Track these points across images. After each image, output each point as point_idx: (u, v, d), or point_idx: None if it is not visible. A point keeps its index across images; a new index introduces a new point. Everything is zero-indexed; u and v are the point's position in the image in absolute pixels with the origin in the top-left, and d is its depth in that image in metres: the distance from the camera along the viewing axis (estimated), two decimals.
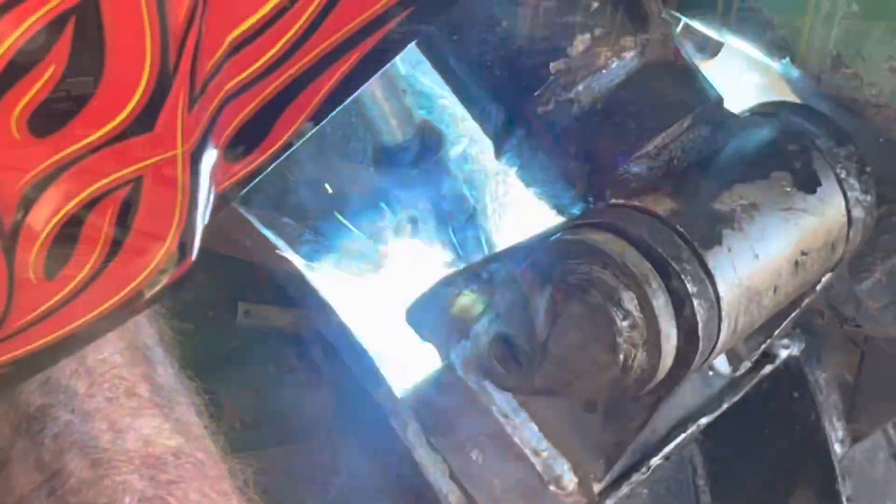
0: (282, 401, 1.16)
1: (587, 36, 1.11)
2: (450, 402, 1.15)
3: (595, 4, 1.11)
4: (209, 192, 0.80)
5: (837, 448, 1.35)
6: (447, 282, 1.15)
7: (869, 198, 1.14)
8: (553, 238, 1.08)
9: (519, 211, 1.25)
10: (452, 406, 1.15)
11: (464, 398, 1.14)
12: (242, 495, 0.90)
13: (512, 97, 1.14)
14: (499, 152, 1.18)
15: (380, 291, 1.29)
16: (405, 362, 1.23)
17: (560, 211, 1.16)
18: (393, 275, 1.36)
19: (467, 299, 1.14)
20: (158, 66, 0.69)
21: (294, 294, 1.14)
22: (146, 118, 0.71)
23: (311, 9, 0.76)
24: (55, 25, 0.64)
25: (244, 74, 0.77)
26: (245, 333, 1.16)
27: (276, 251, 1.14)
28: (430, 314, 1.16)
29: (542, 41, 1.11)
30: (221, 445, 0.90)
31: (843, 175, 1.13)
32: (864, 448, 1.44)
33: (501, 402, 1.14)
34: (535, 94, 1.12)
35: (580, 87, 1.11)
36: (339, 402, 1.15)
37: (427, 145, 1.44)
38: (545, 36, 1.11)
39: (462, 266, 1.18)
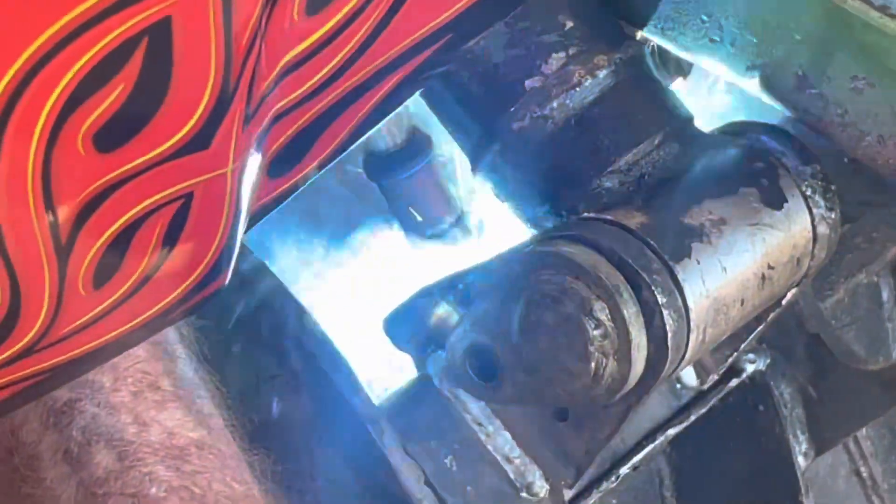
0: (261, 406, 1.17)
1: (562, 54, 1.13)
2: (425, 410, 1.17)
3: (570, 24, 1.13)
4: (248, 211, 0.81)
5: (801, 461, 1.37)
6: (424, 293, 1.17)
7: (833, 215, 1.17)
8: (527, 250, 1.11)
9: (501, 217, 1.27)
10: (428, 414, 1.17)
11: (439, 407, 1.17)
12: (262, 485, 0.93)
13: (487, 113, 1.16)
14: (474, 168, 1.20)
15: (361, 298, 1.31)
16: (383, 370, 1.25)
17: (534, 224, 1.18)
18: (375, 281, 1.37)
19: (443, 310, 1.16)
20: (220, 87, 0.69)
21: (275, 303, 1.15)
22: (204, 136, 0.71)
23: (358, 35, 0.77)
24: (128, 45, 0.64)
25: (292, 96, 0.78)
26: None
27: (260, 261, 1.16)
28: (407, 324, 1.18)
29: (518, 59, 1.14)
30: (240, 437, 0.93)
31: (808, 192, 1.16)
32: (827, 463, 1.46)
33: (475, 410, 1.16)
34: (511, 110, 1.14)
35: (554, 104, 1.13)
36: (318, 409, 1.16)
37: (417, 149, 1.45)
38: (520, 54, 1.14)
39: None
